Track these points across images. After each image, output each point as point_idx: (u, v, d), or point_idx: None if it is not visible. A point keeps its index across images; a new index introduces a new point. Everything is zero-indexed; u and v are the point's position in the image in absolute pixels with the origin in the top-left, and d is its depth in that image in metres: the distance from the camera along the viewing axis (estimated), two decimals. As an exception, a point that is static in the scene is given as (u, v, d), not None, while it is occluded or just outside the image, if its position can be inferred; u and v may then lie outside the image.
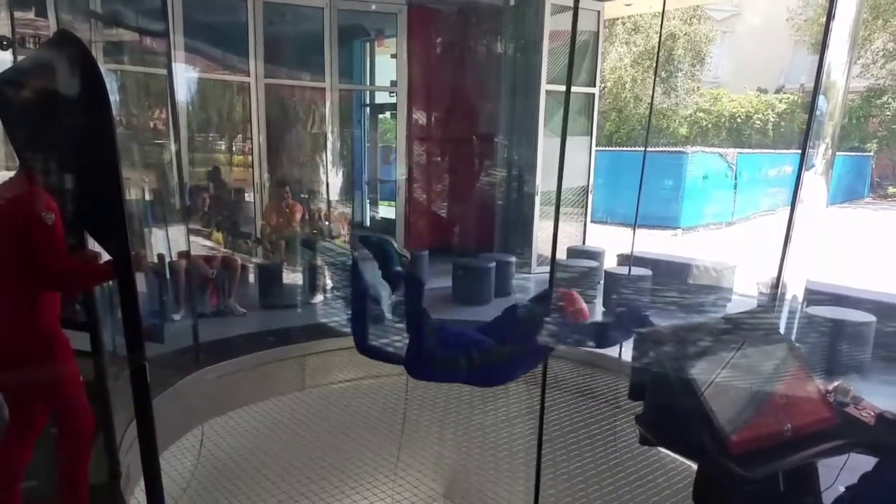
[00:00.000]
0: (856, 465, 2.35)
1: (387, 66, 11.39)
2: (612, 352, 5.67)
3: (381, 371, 6.04)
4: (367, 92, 12.90)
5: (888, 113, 23.64)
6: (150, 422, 2.09)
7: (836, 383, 2.57)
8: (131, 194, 6.14)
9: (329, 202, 9.39)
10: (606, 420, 5.08)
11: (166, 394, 4.61)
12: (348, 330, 6.27)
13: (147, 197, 6.75)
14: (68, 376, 2.97)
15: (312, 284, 7.53)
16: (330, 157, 9.58)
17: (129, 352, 2.01)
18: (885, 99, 23.43)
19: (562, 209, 9.35)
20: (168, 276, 6.32)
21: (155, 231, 6.11)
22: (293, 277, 7.63)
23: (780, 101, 24.60)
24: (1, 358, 2.84)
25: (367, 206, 12.98)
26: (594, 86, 9.68)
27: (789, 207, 3.56)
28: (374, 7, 9.58)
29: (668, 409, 2.46)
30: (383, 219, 12.40)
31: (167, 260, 6.20)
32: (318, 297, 7.56)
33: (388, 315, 4.03)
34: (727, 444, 2.21)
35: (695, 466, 2.55)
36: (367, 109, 12.99)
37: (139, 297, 2.34)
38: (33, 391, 2.94)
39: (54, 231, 2.65)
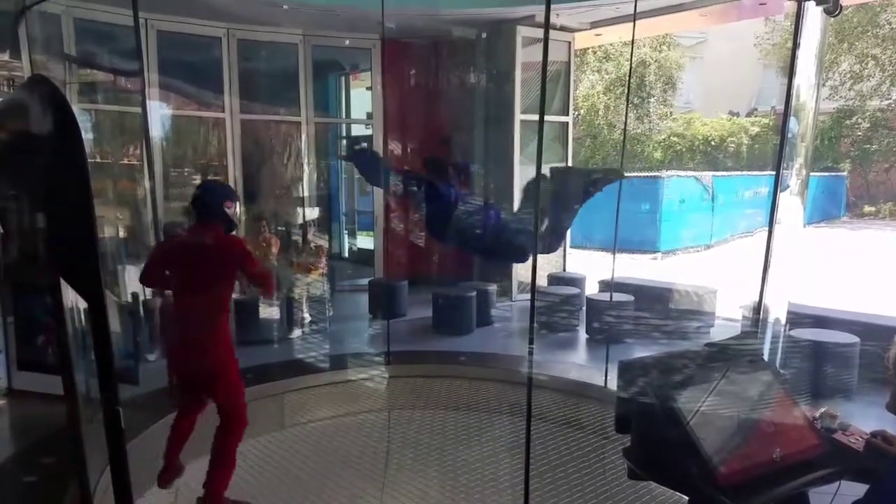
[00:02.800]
0: (847, 492, 2.32)
1: (362, 99, 11.43)
2: (597, 381, 5.64)
3: (363, 407, 5.96)
4: (344, 124, 12.93)
5: (858, 133, 24.10)
6: (125, 467, 2.00)
7: (822, 409, 2.53)
8: (105, 232, 6.05)
9: (306, 234, 9.32)
10: (594, 451, 5.01)
11: (142, 437, 4.49)
12: (327, 365, 6.26)
13: (121, 234, 6.67)
14: (235, 385, 4.22)
15: (290, 319, 7.44)
16: (307, 190, 9.54)
17: (103, 394, 1.93)
18: (854, 119, 23.90)
19: (541, 236, 9.34)
20: (142, 314, 6.20)
21: (129, 269, 6.02)
22: (270, 312, 7.52)
23: (753, 124, 25.01)
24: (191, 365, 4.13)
25: (346, 237, 12.93)
26: (567, 114, 9.77)
27: (767, 229, 3.57)
28: (347, 42, 9.62)
29: (656, 442, 2.42)
30: (361, 249, 12.35)
31: (141, 298, 6.10)
32: (297, 332, 7.46)
33: None
34: (716, 475, 2.17)
35: (686, 499, 2.49)
36: (344, 142, 13.01)
37: (112, 338, 2.26)
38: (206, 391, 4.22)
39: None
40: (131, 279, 5.82)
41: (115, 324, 5.41)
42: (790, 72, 3.55)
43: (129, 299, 5.86)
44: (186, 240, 4.48)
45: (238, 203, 4.40)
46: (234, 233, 4.40)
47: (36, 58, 6.25)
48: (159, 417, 4.84)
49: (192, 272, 4.08)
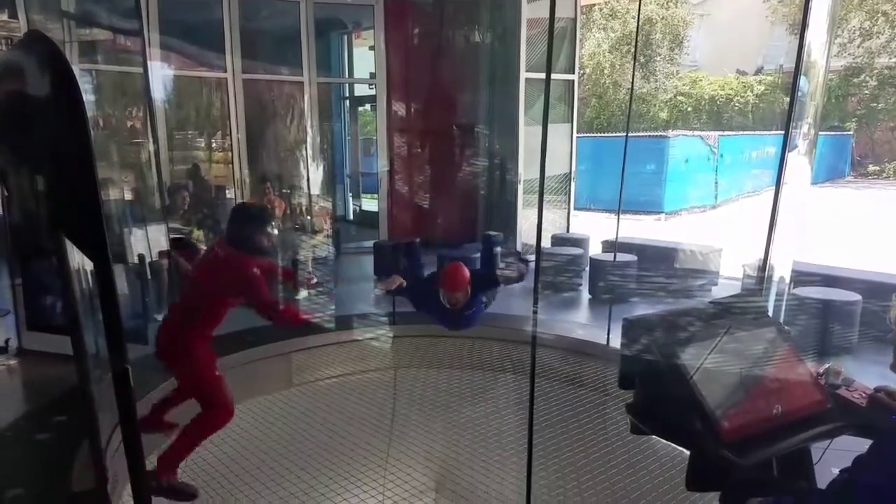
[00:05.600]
0: (853, 447, 2.34)
1: (365, 59, 11.32)
2: (599, 339, 5.68)
3: (369, 366, 6.02)
4: (346, 85, 12.82)
5: (866, 91, 23.81)
6: (135, 426, 2.03)
7: (826, 365, 2.55)
8: (110, 195, 6.05)
9: (310, 196, 9.32)
10: (596, 408, 5.07)
11: (151, 396, 4.55)
12: (333, 325, 6.30)
13: (126, 197, 6.66)
14: (208, 379, 3.97)
15: (296, 280, 7.46)
16: (310, 152, 9.51)
17: (111, 355, 1.95)
18: (862, 77, 23.59)
19: (545, 197, 9.33)
20: (149, 275, 6.23)
21: (135, 231, 6.03)
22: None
23: (760, 83, 24.70)
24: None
25: (350, 199, 12.92)
26: (573, 72, 9.66)
27: (774, 189, 3.55)
28: (349, 0, 9.50)
29: (659, 397, 2.44)
30: (365, 212, 12.35)
31: (148, 260, 6.11)
32: (302, 293, 7.49)
33: None
34: (719, 430, 2.19)
35: (687, 453, 2.53)
36: (347, 102, 12.92)
37: (120, 299, 2.28)
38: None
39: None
40: (137, 241, 5.83)
41: (122, 285, 5.45)
42: (802, 28, 3.49)
43: (136, 261, 5.88)
44: (208, 251, 4.53)
45: (273, 227, 4.20)
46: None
47: (33, 17, 6.20)
48: (169, 376, 4.90)
49: (194, 282, 4.21)
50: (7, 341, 5.56)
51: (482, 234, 7.92)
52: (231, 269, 3.92)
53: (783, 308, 3.68)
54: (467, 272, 5.00)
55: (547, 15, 8.73)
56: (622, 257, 7.46)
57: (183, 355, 3.96)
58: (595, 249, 8.96)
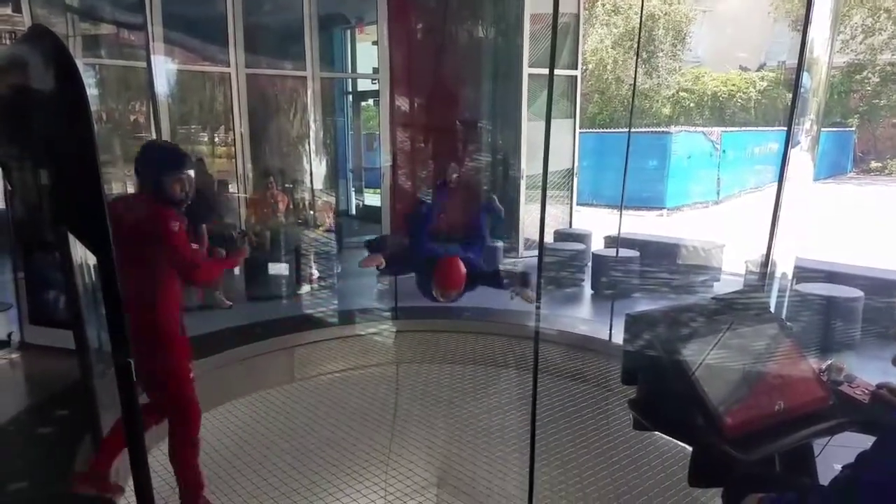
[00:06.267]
0: (855, 444, 2.35)
1: (368, 54, 11.31)
2: (601, 335, 5.68)
3: (371, 361, 6.03)
4: (349, 80, 12.80)
5: (868, 88, 23.78)
6: (138, 419, 2.04)
7: (828, 362, 2.55)
8: (113, 189, 6.05)
9: (313, 191, 9.30)
10: (599, 404, 5.08)
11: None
12: (335, 319, 6.32)
13: (129, 191, 6.66)
14: (178, 371, 3.51)
15: (299, 275, 7.49)
16: (313, 146, 9.49)
17: (114, 349, 1.96)
18: (864, 74, 23.56)
19: (548, 192, 9.32)
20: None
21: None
22: (279, 268, 7.56)
23: (762, 79, 24.66)
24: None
25: (352, 194, 12.91)
26: (576, 68, 9.65)
27: (776, 185, 3.55)
28: (353, -7, 9.49)
29: (661, 393, 2.44)
30: (368, 206, 12.34)
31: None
32: (305, 288, 7.51)
33: None
34: (721, 426, 2.19)
35: (690, 449, 2.53)
36: (350, 97, 12.91)
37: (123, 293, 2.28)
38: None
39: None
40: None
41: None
42: (805, 24, 3.48)
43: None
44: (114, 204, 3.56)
45: (188, 173, 3.46)
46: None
47: (37, 11, 6.20)
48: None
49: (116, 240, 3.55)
50: (10, 335, 5.57)
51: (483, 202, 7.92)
52: (148, 221, 3.32)
53: (785, 304, 3.68)
54: (463, 270, 4.77)
55: (550, 10, 8.73)
56: (625, 253, 7.46)
57: (150, 340, 3.41)
58: (597, 245, 8.96)
